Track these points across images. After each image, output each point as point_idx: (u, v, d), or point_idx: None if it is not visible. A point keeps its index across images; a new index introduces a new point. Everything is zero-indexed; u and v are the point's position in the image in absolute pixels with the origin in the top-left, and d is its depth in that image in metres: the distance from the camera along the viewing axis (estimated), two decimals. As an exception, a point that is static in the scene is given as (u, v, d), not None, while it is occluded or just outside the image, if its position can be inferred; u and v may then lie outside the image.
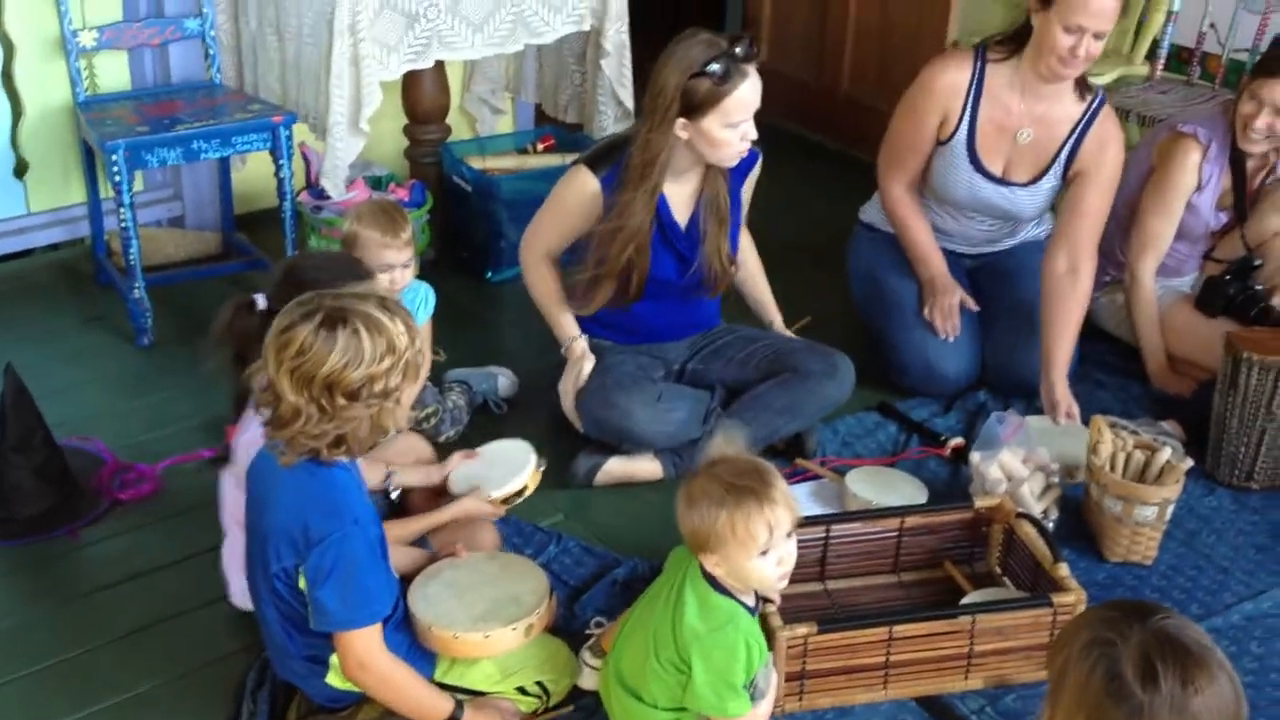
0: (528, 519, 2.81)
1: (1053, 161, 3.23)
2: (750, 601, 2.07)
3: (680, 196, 2.91)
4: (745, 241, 3.19)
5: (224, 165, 3.90)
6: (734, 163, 2.84)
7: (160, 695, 2.34)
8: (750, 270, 3.22)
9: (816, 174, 4.88)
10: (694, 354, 3.13)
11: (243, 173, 3.99)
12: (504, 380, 3.29)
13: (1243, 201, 3.40)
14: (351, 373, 1.86)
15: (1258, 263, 3.41)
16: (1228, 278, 3.41)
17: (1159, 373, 3.43)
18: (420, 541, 2.43)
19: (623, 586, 2.59)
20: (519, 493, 2.58)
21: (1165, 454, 2.79)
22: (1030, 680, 2.38)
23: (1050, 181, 3.27)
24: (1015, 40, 3.17)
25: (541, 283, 3.04)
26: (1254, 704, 2.36)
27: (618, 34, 3.78)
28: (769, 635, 2.21)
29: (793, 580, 2.44)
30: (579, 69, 4.05)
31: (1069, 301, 3.19)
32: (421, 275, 3.20)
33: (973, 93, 3.20)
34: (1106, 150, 3.19)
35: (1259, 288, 3.39)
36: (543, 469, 2.63)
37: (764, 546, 1.97)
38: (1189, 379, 3.37)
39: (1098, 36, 2.99)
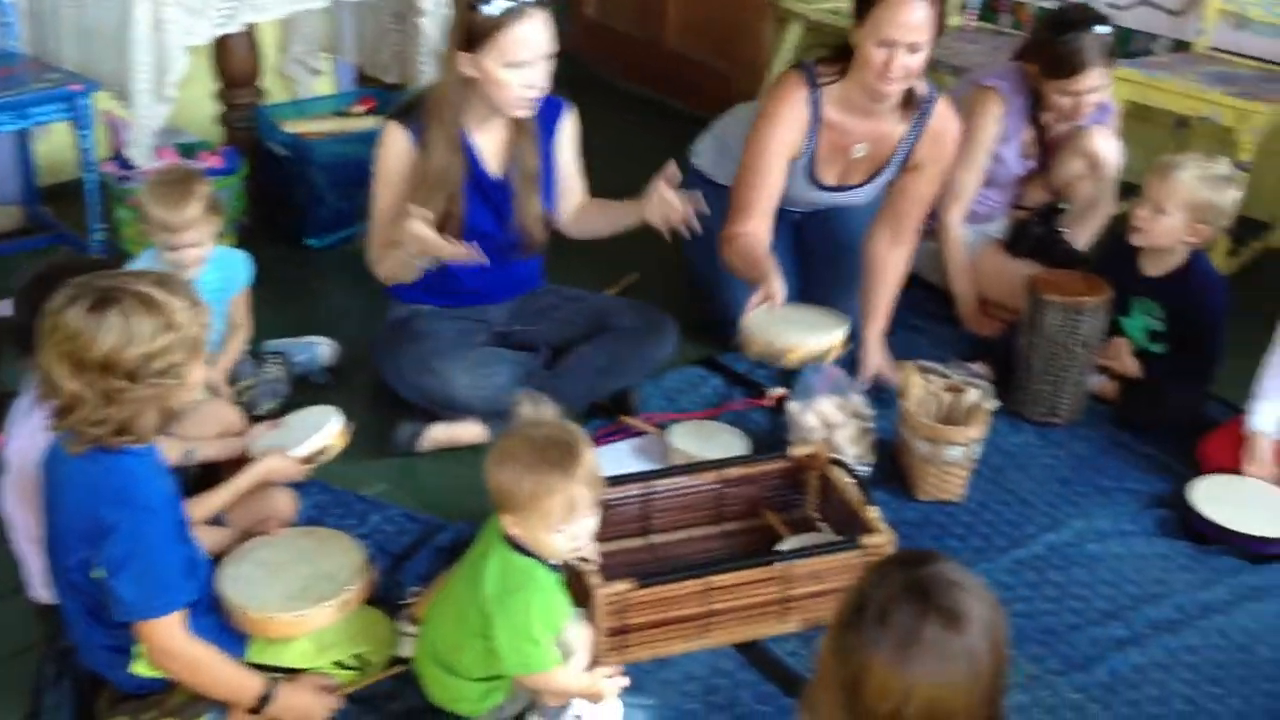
0: (350, 489, 2.79)
1: (887, 163, 3.19)
2: (552, 560, 2.10)
3: (491, 146, 2.89)
4: (580, 200, 3.13)
5: (22, 137, 3.75)
6: (519, 111, 2.78)
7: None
8: (590, 218, 3.14)
9: (645, 127, 4.89)
10: (517, 315, 3.13)
11: (47, 143, 3.85)
12: (324, 349, 3.25)
13: (1045, 149, 3.52)
14: (127, 352, 1.82)
15: (1062, 206, 3.54)
16: (1034, 221, 3.54)
17: (970, 316, 3.55)
18: (219, 519, 2.39)
19: (446, 552, 2.59)
20: (321, 451, 2.52)
21: (971, 395, 2.89)
22: (843, 620, 2.46)
23: (886, 177, 3.23)
24: (840, 59, 3.06)
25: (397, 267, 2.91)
26: (1052, 629, 2.50)
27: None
28: (587, 593, 2.24)
29: (615, 536, 2.52)
30: (398, 28, 3.98)
31: (890, 274, 3.25)
32: (238, 243, 3.14)
33: (812, 122, 3.10)
34: (942, 143, 3.15)
35: (1064, 230, 3.53)
36: (351, 430, 2.59)
37: (559, 524, 2.01)
38: (998, 321, 3.49)
39: (913, 50, 2.90)
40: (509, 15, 2.65)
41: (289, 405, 3.02)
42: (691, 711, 2.27)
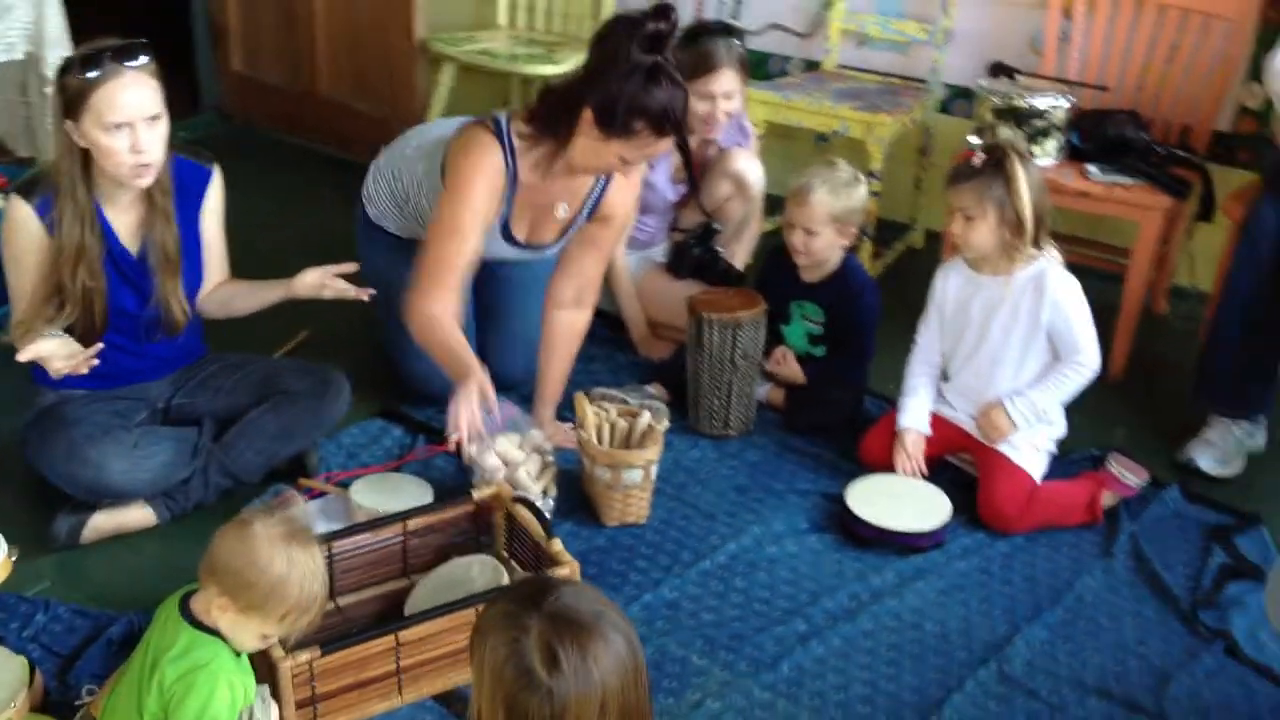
0: (11, 590, 2.61)
1: (578, 215, 3.11)
2: (240, 649, 2.04)
3: (125, 222, 2.77)
4: (220, 279, 3.02)
5: None
6: (137, 181, 2.65)
7: None
8: (229, 299, 3.02)
9: (308, 178, 4.81)
10: (178, 389, 3.01)
11: None
12: None
13: (693, 173, 3.66)
14: None
15: (717, 226, 3.70)
16: (691, 243, 3.68)
17: (641, 340, 3.65)
18: None
19: (118, 646, 2.45)
20: None
21: (645, 418, 2.97)
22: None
23: (575, 229, 3.15)
24: (545, 130, 2.87)
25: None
26: (740, 634, 2.60)
27: (61, 60, 3.54)
28: (272, 668, 2.18)
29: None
30: (23, 99, 3.78)
31: (570, 342, 3.21)
32: None
33: (508, 185, 2.94)
34: (627, 190, 3.11)
35: (720, 250, 3.68)
36: (14, 559, 2.44)
37: (274, 628, 2.01)
38: (669, 342, 3.60)
39: None
40: (101, 76, 2.55)
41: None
42: (393, 770, 2.24)
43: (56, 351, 2.61)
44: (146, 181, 2.67)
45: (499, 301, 3.43)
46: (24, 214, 2.68)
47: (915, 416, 3.03)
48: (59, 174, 2.66)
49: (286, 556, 1.97)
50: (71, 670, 2.39)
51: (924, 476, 3.00)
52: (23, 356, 2.58)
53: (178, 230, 2.80)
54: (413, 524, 2.66)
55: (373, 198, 3.33)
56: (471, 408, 2.75)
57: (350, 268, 2.89)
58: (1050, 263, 2.89)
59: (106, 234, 2.73)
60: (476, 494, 2.72)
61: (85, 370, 2.62)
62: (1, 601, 2.57)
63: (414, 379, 3.31)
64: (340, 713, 2.32)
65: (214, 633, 2.01)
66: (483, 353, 3.33)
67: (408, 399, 3.35)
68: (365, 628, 2.39)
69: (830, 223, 3.22)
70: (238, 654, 2.04)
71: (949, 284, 3.03)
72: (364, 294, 2.86)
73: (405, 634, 2.34)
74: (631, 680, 1.54)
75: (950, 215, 2.91)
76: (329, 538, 2.60)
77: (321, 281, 2.87)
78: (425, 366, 3.09)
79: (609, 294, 3.70)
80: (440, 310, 2.88)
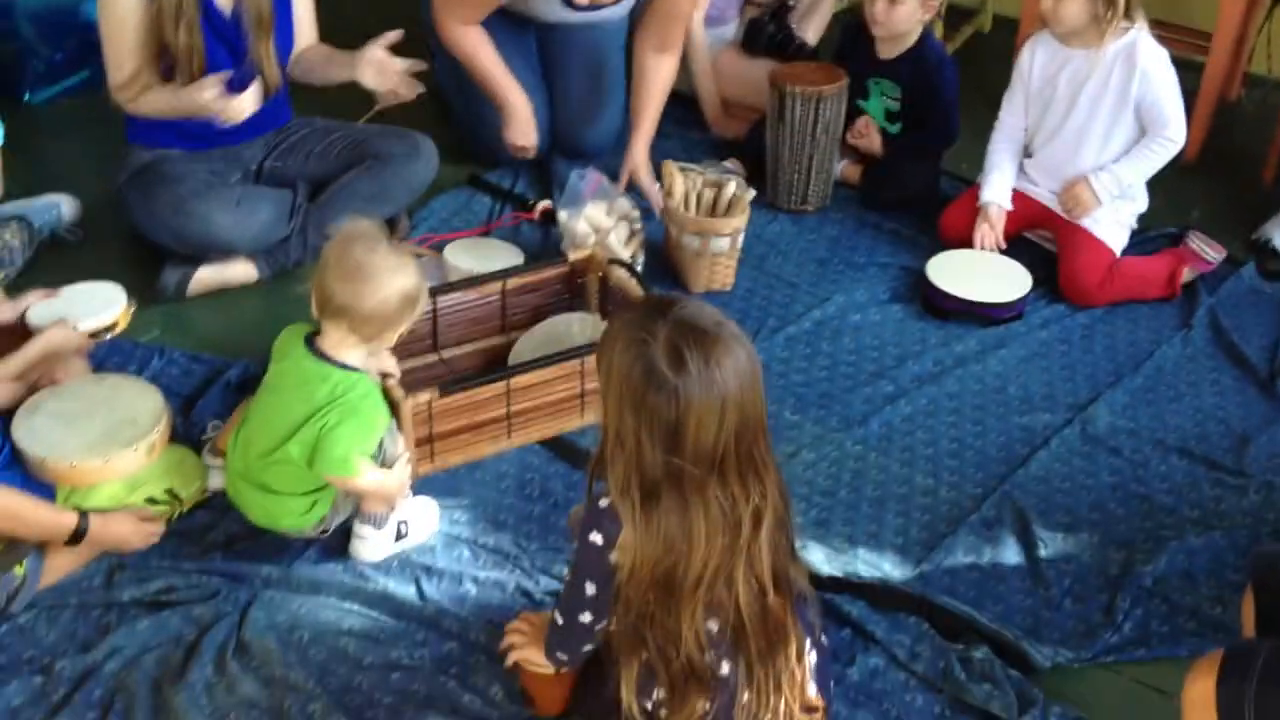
0: (125, 337, 2.70)
1: None
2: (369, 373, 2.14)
3: None
4: (308, 43, 3.05)
5: None
6: None
7: None
8: (312, 65, 3.06)
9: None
10: (270, 152, 3.05)
11: None
12: (65, 207, 3.08)
13: (770, -54, 3.62)
14: None
15: (792, 2, 3.67)
16: (765, 20, 3.65)
17: (716, 117, 3.66)
18: None
19: (236, 388, 2.56)
20: (109, 327, 2.46)
21: (731, 186, 3.01)
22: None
23: None
24: None
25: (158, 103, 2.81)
26: (829, 393, 2.69)
27: None
28: (394, 406, 2.27)
29: (407, 354, 2.53)
30: None
31: (657, 83, 3.26)
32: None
33: None
34: None
35: (794, 25, 3.66)
36: (133, 310, 2.52)
37: (395, 331, 2.11)
38: (742, 120, 3.61)
39: None
40: None
41: (45, 269, 2.89)
42: (509, 505, 2.35)
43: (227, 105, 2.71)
44: None
45: (570, 73, 3.45)
46: None
47: (998, 191, 3.06)
48: None
49: (398, 280, 2.05)
50: (193, 409, 2.50)
51: (1003, 251, 3.05)
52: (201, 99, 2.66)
53: None
54: (511, 283, 2.72)
55: None
56: (523, 130, 3.07)
57: (418, 65, 2.88)
58: (1141, 33, 2.87)
59: None
60: (572, 255, 2.77)
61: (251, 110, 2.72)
62: (119, 346, 2.67)
63: (484, 147, 3.38)
64: (454, 452, 2.43)
65: (348, 367, 2.09)
66: (564, 127, 3.39)
67: (491, 168, 3.40)
68: (477, 375, 2.47)
69: (915, -6, 3.19)
70: (375, 383, 2.13)
71: (1036, 58, 3.02)
72: (413, 89, 2.88)
73: (516, 380, 2.43)
74: (750, 388, 1.59)
75: None
76: (433, 292, 2.67)
77: (381, 68, 2.86)
78: (491, 134, 3.28)
79: (683, 72, 3.70)
80: (459, 27, 3.15)
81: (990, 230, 3.04)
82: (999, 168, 3.08)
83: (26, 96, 3.62)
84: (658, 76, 3.27)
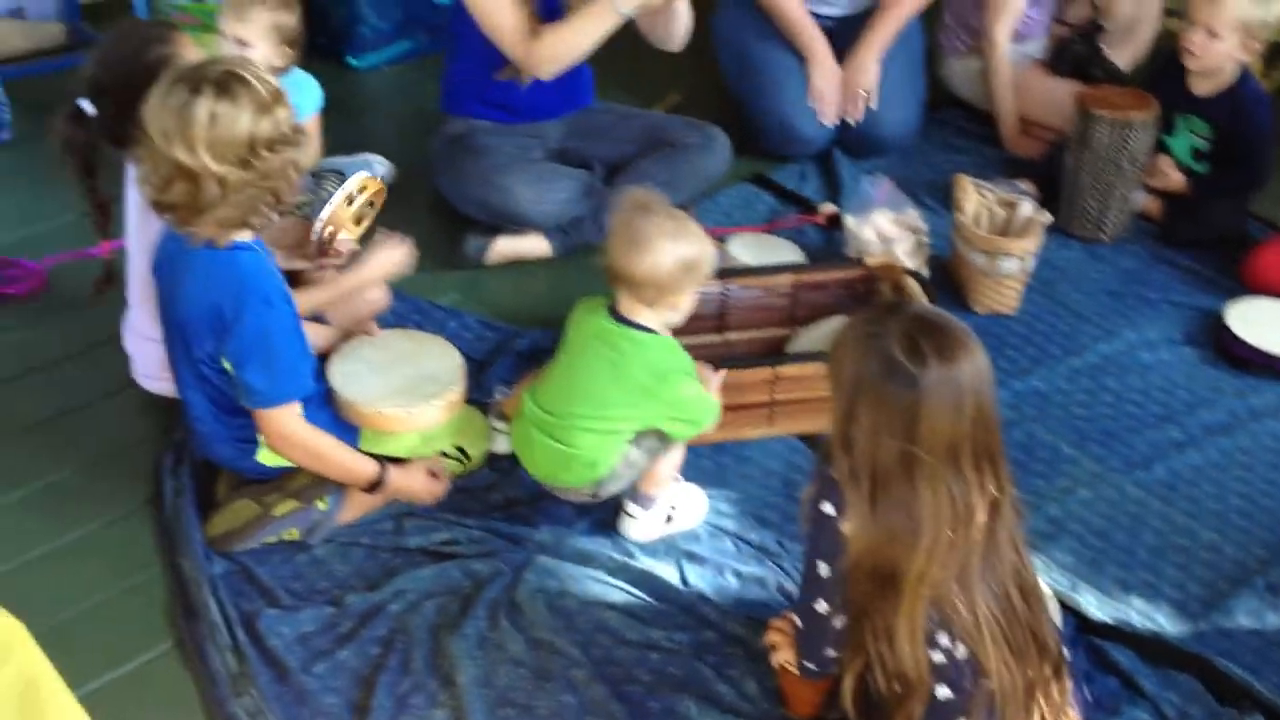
0: (424, 296, 2.85)
1: None
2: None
3: None
4: None
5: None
6: None
7: (74, 482, 2.35)
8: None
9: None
10: (571, 132, 3.15)
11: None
12: (380, 168, 3.26)
13: (1090, -36, 3.52)
14: (264, 121, 1.88)
15: (1104, 24, 3.55)
16: (1075, 39, 3.55)
17: (1013, 135, 3.58)
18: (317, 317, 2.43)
19: (526, 357, 2.66)
20: (352, 197, 2.46)
21: (1026, 208, 2.95)
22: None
23: None
24: None
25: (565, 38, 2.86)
26: (1111, 432, 2.61)
27: None
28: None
29: (694, 331, 2.56)
30: None
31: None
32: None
33: None
34: None
35: (1104, 49, 3.54)
36: (382, 180, 2.56)
37: (691, 289, 2.15)
38: (1039, 141, 3.52)
39: None
40: None
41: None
42: (775, 504, 2.38)
43: None
44: None
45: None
46: None
47: None
48: None
49: (673, 246, 2.09)
50: (483, 373, 2.61)
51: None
52: None
53: None
54: (803, 278, 2.74)
55: None
56: (828, 79, 3.23)
57: None
58: None
59: None
60: (871, 260, 2.76)
61: None
62: (418, 306, 2.81)
63: (771, 135, 3.43)
64: (718, 429, 2.45)
65: (645, 329, 2.16)
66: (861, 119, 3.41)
67: (777, 159, 3.45)
68: (749, 359, 2.50)
69: (1238, 29, 3.03)
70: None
71: None
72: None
73: (783, 369, 2.46)
74: (987, 383, 1.60)
75: None
76: (725, 274, 2.70)
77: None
78: (781, 121, 3.37)
79: (980, 87, 3.64)
80: None
81: None
82: None
83: (351, 61, 3.83)
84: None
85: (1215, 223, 3.17)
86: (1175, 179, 3.21)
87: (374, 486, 2.17)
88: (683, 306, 2.17)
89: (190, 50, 2.17)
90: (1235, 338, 2.80)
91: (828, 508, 1.68)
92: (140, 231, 2.27)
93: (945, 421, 1.57)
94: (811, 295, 2.75)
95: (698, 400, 2.19)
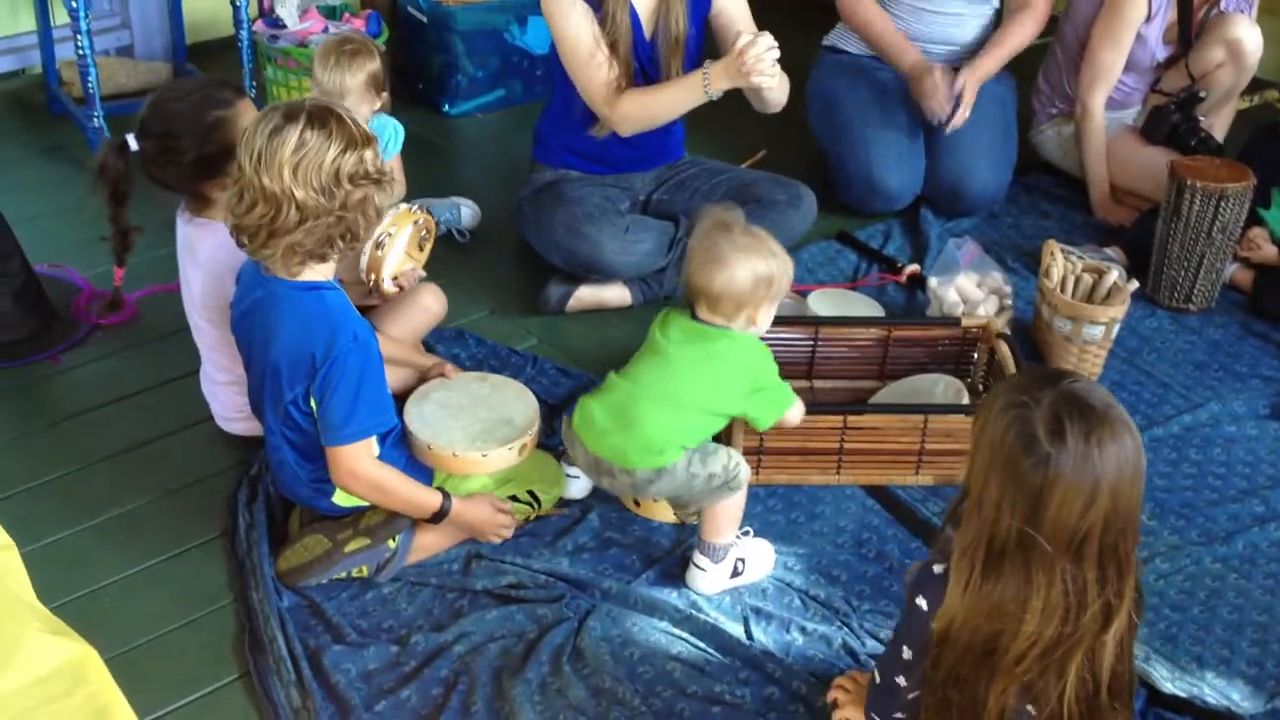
0: (503, 343, 2.89)
1: None
2: None
3: (646, 7, 2.93)
4: None
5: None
6: None
7: (151, 511, 2.41)
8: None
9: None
10: (659, 185, 3.19)
11: (197, 1, 3.92)
12: (467, 210, 3.33)
13: (1188, 34, 3.49)
14: (350, 156, 1.95)
15: (1202, 94, 3.52)
16: (1171, 109, 3.52)
17: (1103, 202, 3.55)
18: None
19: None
20: (390, 235, 2.45)
21: (1113, 275, 2.92)
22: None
23: None
24: None
25: (649, 103, 2.92)
26: (1191, 504, 2.56)
27: None
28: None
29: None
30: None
31: (1017, 27, 3.48)
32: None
33: None
34: None
35: (1201, 118, 3.51)
36: (416, 214, 2.56)
37: (772, 302, 2.19)
38: (1129, 209, 3.49)
39: None
40: None
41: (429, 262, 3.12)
42: (843, 561, 2.36)
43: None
44: None
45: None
46: (575, 3, 2.83)
47: None
48: None
49: (748, 262, 2.11)
50: (556, 418, 2.63)
51: None
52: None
53: (686, 11, 2.92)
54: (897, 332, 2.74)
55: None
56: (935, 85, 3.31)
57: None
58: None
59: (632, 19, 2.89)
60: (967, 320, 2.75)
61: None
62: (496, 351, 2.85)
63: (856, 190, 3.47)
64: (782, 471, 2.50)
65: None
66: (946, 178, 3.45)
67: (858, 219, 3.46)
68: (823, 406, 2.51)
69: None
70: None
71: None
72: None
73: (853, 419, 2.46)
74: (1130, 480, 1.54)
75: None
76: (817, 322, 2.73)
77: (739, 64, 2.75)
78: (867, 175, 3.42)
79: (1072, 153, 3.62)
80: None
81: None
82: None
83: (446, 108, 3.92)
84: (1015, 32, 3.49)
85: (1308, 297, 3.12)
86: (1268, 251, 3.16)
87: (438, 517, 2.19)
88: (761, 321, 2.20)
89: (248, 118, 2.21)
90: (1326, 417, 2.74)
91: (921, 602, 1.66)
92: (195, 283, 2.36)
93: (1073, 511, 1.51)
94: (902, 350, 2.75)
95: (781, 388, 2.22)
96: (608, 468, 2.20)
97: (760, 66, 2.66)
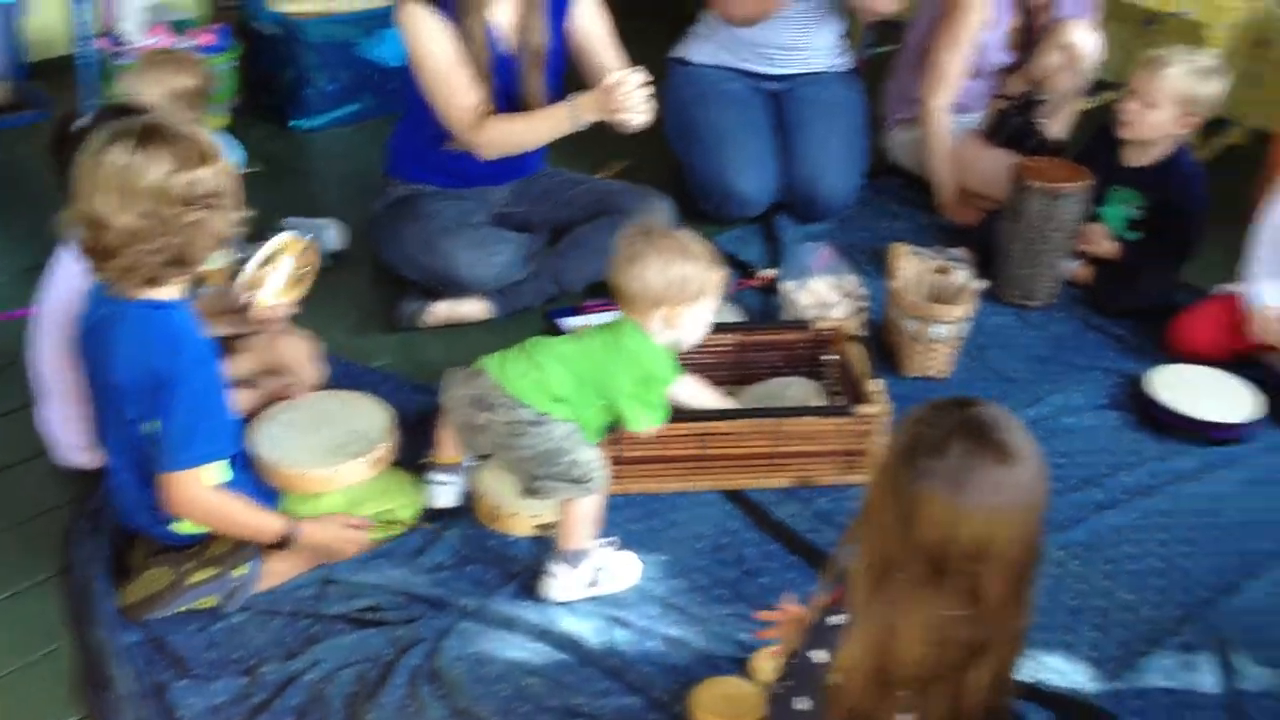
0: (358, 361, 2.87)
1: None
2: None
3: (505, 22, 2.92)
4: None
5: (6, 10, 3.72)
6: None
7: (-18, 551, 2.33)
8: None
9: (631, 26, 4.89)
10: (517, 197, 3.19)
11: (39, 18, 3.81)
12: (333, 232, 3.28)
13: (1029, 39, 3.60)
14: (180, 176, 1.90)
15: (1042, 98, 3.63)
16: (1013, 111, 3.63)
17: (950, 202, 3.65)
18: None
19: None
20: (274, 255, 2.44)
21: (959, 276, 3.00)
22: (834, 483, 2.59)
23: None
24: None
25: (514, 132, 2.95)
26: (1036, 496, 2.62)
27: None
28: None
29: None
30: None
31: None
32: (230, 123, 3.15)
33: None
34: None
35: (1040, 121, 3.62)
36: (306, 244, 2.52)
37: (695, 304, 2.27)
38: (976, 210, 3.59)
39: None
40: None
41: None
42: (703, 567, 2.39)
43: None
44: None
45: (807, 128, 3.58)
46: (430, 17, 2.82)
47: (1275, 294, 2.91)
48: None
49: (662, 265, 2.20)
50: (412, 438, 2.61)
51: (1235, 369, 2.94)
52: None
53: (546, 25, 2.93)
54: (753, 337, 2.79)
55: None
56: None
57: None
58: None
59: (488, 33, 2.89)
60: (819, 324, 2.80)
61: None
62: (350, 370, 2.83)
63: (711, 196, 3.51)
64: (640, 480, 2.52)
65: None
66: (799, 185, 3.53)
67: (715, 225, 3.49)
68: (680, 413, 2.52)
69: (1173, 103, 3.11)
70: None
71: None
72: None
73: (709, 425, 2.50)
74: (1007, 519, 1.48)
75: None
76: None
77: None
78: (721, 181, 3.44)
79: (920, 156, 3.72)
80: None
81: (1271, 335, 2.90)
82: (1271, 275, 2.92)
83: (296, 123, 3.87)
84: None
85: (1145, 291, 3.23)
86: (1107, 247, 3.28)
87: (285, 543, 2.16)
88: (683, 325, 2.26)
89: None
90: (1157, 403, 2.85)
91: (820, 655, 1.61)
92: (46, 304, 2.30)
93: (933, 533, 1.47)
94: (758, 355, 2.79)
95: (662, 401, 2.31)
96: (492, 401, 2.22)
97: (630, 104, 2.69)
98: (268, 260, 2.40)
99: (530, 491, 2.25)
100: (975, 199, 3.63)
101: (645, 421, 2.31)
